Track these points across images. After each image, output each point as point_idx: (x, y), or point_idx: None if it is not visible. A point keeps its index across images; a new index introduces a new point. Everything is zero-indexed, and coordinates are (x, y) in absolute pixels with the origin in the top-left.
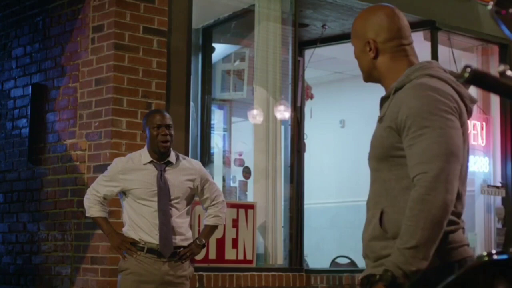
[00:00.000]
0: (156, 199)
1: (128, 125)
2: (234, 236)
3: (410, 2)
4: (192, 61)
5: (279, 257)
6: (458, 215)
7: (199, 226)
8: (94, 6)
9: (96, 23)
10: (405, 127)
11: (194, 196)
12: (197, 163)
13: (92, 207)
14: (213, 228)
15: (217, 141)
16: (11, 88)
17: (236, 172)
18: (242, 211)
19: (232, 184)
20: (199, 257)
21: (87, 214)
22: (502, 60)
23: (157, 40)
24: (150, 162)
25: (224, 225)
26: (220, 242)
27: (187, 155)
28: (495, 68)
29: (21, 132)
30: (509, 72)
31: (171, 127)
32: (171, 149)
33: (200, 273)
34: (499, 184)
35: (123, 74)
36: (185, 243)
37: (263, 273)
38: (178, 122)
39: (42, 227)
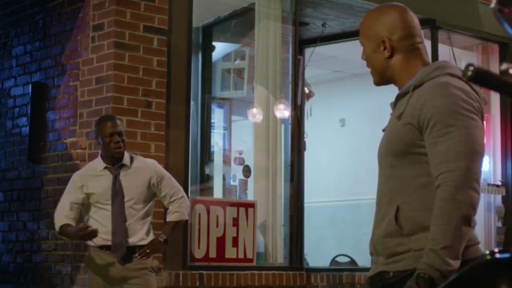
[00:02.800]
0: (108, 202)
1: (128, 124)
2: (234, 235)
3: (410, 1)
4: (192, 59)
5: (279, 256)
6: None
7: (199, 225)
8: (94, 4)
9: (96, 21)
10: (428, 125)
11: (154, 196)
12: (151, 162)
13: (57, 220)
14: (175, 224)
15: (217, 140)
16: (11, 86)
17: (236, 171)
18: (242, 209)
19: (232, 183)
20: (199, 255)
21: (56, 231)
22: (502, 59)
23: (158, 38)
24: (104, 168)
25: (224, 224)
26: (220, 241)
27: (188, 154)
28: (495, 67)
29: (21, 130)
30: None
31: (123, 134)
32: (125, 151)
33: (200, 271)
34: (499, 183)
35: (123, 72)
36: (144, 242)
37: (264, 272)
38: (178, 121)
39: (42, 226)
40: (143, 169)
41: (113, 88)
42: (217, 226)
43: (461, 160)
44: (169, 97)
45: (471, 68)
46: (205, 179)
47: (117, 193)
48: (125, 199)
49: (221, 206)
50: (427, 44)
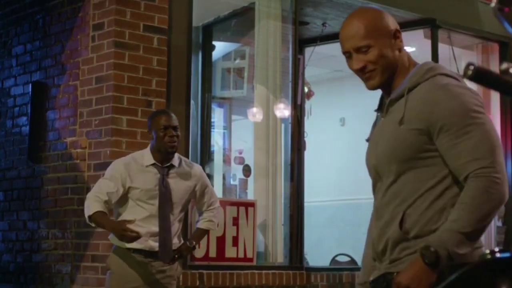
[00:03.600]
0: (153, 202)
1: (128, 123)
2: (235, 234)
3: (410, 1)
4: (192, 59)
5: (279, 255)
6: None
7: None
8: (94, 4)
9: (96, 21)
10: (443, 128)
11: (190, 201)
12: (198, 168)
13: (91, 204)
14: (205, 232)
15: (217, 139)
16: (11, 86)
17: (236, 170)
18: (242, 209)
19: (232, 182)
20: (199, 255)
21: (87, 214)
22: (502, 58)
23: (158, 38)
24: (152, 164)
25: (224, 223)
26: (221, 240)
27: (188, 153)
28: (495, 66)
29: (21, 130)
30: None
31: (177, 128)
32: (176, 153)
33: (201, 271)
34: None
35: (123, 72)
36: (176, 245)
37: (264, 271)
38: (178, 120)
39: (42, 225)
40: (190, 174)
41: (113, 88)
42: (217, 225)
43: (490, 157)
44: (169, 96)
45: (472, 67)
46: None
47: (165, 195)
48: (170, 204)
49: (221, 206)
50: (427, 43)
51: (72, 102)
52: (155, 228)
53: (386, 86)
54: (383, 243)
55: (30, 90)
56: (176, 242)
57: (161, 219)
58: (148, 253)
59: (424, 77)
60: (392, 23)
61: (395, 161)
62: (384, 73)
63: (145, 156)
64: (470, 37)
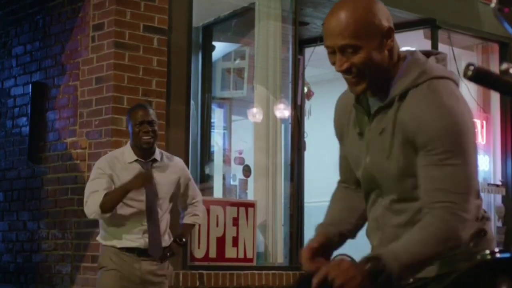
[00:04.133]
0: (141, 198)
1: (128, 124)
2: (235, 235)
3: (410, 1)
4: (192, 59)
5: (280, 256)
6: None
7: (199, 224)
8: (94, 4)
9: (97, 21)
10: (425, 147)
11: (174, 196)
12: (180, 161)
13: (94, 198)
14: (192, 226)
15: (217, 140)
16: (11, 86)
17: (236, 171)
18: (242, 209)
19: (232, 183)
20: (199, 255)
21: (98, 206)
22: (502, 59)
23: (158, 38)
24: (135, 160)
25: (224, 224)
26: (220, 241)
27: (188, 154)
28: (495, 67)
29: (21, 130)
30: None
31: (154, 123)
32: (155, 146)
33: (200, 271)
34: (499, 183)
35: (123, 72)
36: (166, 243)
37: (264, 272)
38: (178, 121)
39: (42, 225)
40: (173, 167)
41: (113, 88)
42: (217, 226)
43: (462, 193)
44: (169, 96)
45: (472, 68)
46: (205, 179)
47: (151, 189)
48: (157, 198)
49: (221, 206)
50: (427, 43)
51: (72, 103)
52: (146, 225)
53: (373, 87)
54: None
55: (30, 90)
56: (166, 239)
57: (149, 214)
58: (142, 251)
59: (416, 81)
60: (386, 19)
61: (392, 177)
62: (371, 77)
63: (126, 153)
64: (470, 37)
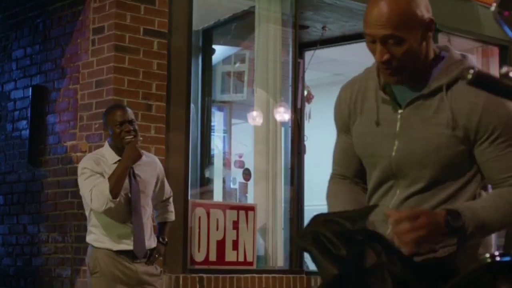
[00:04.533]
0: (127, 198)
1: None
2: (235, 238)
3: None
4: (192, 62)
5: (280, 259)
6: None
7: (199, 228)
8: (94, 8)
9: (97, 24)
10: (490, 136)
11: (154, 192)
12: (156, 158)
13: (100, 187)
14: (169, 224)
15: (217, 143)
16: (11, 90)
17: (236, 174)
18: (242, 213)
19: (232, 186)
20: (199, 259)
21: (109, 191)
22: (502, 62)
23: (158, 41)
24: (118, 161)
25: (225, 227)
26: (221, 244)
27: (188, 157)
28: (495, 70)
29: (21, 133)
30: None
31: (134, 122)
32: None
33: (201, 275)
34: None
35: (123, 75)
36: (154, 244)
37: (264, 275)
38: (179, 124)
39: (42, 229)
40: (152, 163)
41: (113, 91)
42: (217, 229)
43: None
44: (169, 100)
45: (472, 71)
46: (205, 182)
47: (135, 189)
48: (142, 196)
49: (221, 209)
50: None
51: (72, 106)
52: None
53: (413, 78)
54: None
55: (30, 93)
56: (152, 240)
57: (134, 213)
58: (125, 252)
59: (463, 74)
60: (427, 9)
61: (429, 166)
62: (410, 68)
63: (107, 154)
64: (470, 40)
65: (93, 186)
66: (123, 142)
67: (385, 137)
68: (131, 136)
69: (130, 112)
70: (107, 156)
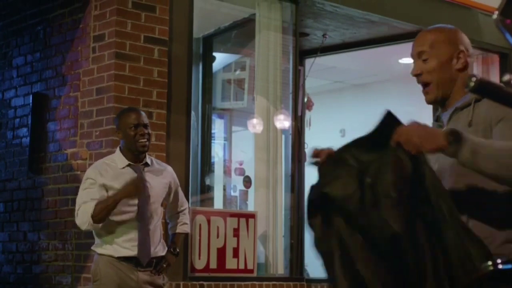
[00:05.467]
0: (135, 203)
1: None
2: (235, 245)
3: (409, 11)
4: (193, 70)
5: (280, 267)
6: None
7: (200, 235)
8: (95, 15)
9: (97, 32)
10: (502, 119)
11: (166, 201)
12: (169, 167)
13: (85, 209)
14: (184, 235)
15: (217, 151)
16: (12, 97)
17: (237, 181)
18: (243, 220)
19: (232, 194)
20: (199, 266)
21: (89, 216)
22: (502, 69)
23: (158, 49)
24: (127, 165)
25: (225, 234)
26: (221, 251)
27: (188, 165)
28: (495, 78)
29: (22, 141)
30: None
31: (148, 126)
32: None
33: (201, 282)
34: None
35: (124, 83)
36: (161, 252)
37: (264, 283)
38: (179, 131)
39: (42, 236)
40: (163, 171)
41: (113, 99)
42: (217, 236)
43: None
44: (169, 107)
45: (474, 79)
46: (206, 190)
47: (143, 195)
48: (150, 202)
49: (222, 217)
50: None
51: (73, 113)
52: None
53: (442, 103)
54: None
55: (30, 101)
56: (160, 248)
57: (140, 216)
58: (139, 261)
59: None
60: (463, 44)
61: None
62: (439, 88)
63: (117, 159)
64: None
65: (83, 203)
66: (137, 145)
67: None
68: (145, 140)
69: (144, 115)
70: (117, 161)
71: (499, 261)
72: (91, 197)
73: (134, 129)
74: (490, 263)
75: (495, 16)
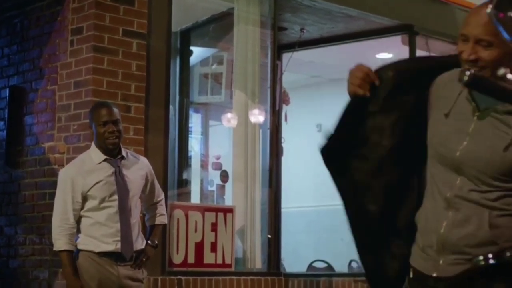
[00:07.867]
0: (115, 197)
1: None
2: (213, 240)
3: (387, 6)
4: (170, 64)
5: (258, 261)
6: None
7: (178, 230)
8: (73, 8)
9: (75, 25)
10: None
11: (143, 193)
12: (144, 158)
13: (59, 239)
14: (162, 227)
15: (194, 145)
16: None
17: (214, 176)
18: (221, 215)
19: (209, 188)
20: (177, 261)
21: (54, 248)
22: None
23: (137, 43)
24: (104, 160)
25: (203, 229)
26: (199, 246)
27: (166, 159)
28: None
29: None
30: (509, 76)
31: (119, 122)
32: (121, 144)
33: (179, 277)
34: None
35: (102, 76)
36: (140, 246)
37: (242, 277)
38: (157, 125)
39: (19, 230)
40: (139, 163)
41: (92, 92)
42: (195, 231)
43: None
44: (148, 101)
45: (467, 73)
46: (183, 184)
47: (122, 186)
48: (129, 195)
49: (200, 212)
50: (405, 49)
51: (50, 107)
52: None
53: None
54: (457, 235)
55: (7, 94)
56: (140, 242)
57: (121, 212)
58: (119, 255)
59: None
60: None
61: (490, 173)
62: (491, 75)
63: (93, 154)
64: (448, 43)
65: (61, 222)
66: (106, 142)
67: (456, 132)
68: (114, 137)
69: (116, 111)
70: (93, 156)
71: (490, 255)
72: (69, 209)
73: (103, 126)
74: (481, 257)
75: (489, 10)
